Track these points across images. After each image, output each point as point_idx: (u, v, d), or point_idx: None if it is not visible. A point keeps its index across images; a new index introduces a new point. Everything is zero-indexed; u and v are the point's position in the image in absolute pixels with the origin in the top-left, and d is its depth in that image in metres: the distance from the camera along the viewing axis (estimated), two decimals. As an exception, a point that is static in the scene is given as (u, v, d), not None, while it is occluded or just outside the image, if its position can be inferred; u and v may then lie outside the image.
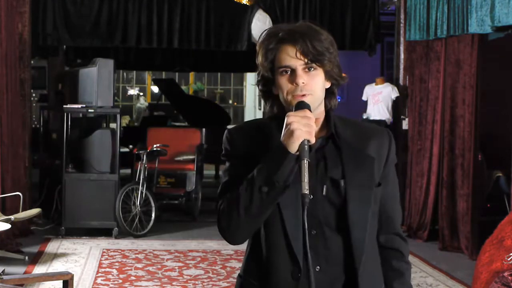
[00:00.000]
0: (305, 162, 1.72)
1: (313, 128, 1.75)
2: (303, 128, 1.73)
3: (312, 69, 1.83)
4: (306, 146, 1.73)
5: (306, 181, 1.71)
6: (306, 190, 1.70)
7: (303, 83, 1.81)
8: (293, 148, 1.74)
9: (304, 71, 1.82)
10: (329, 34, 1.88)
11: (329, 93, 1.90)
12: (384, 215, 1.96)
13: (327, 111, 1.92)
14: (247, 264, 1.97)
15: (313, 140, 1.75)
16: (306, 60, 1.81)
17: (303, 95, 1.81)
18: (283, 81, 1.84)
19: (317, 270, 1.84)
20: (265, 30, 1.91)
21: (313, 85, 1.83)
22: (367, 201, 1.88)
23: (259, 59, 1.88)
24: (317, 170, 1.86)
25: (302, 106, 1.79)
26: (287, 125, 1.75)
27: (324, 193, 1.85)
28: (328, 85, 1.89)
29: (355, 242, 1.85)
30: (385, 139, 1.96)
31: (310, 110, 1.79)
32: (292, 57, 1.82)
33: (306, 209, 1.71)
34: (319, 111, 1.88)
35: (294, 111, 1.78)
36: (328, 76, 1.87)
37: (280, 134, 1.79)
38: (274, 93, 1.89)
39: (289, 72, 1.83)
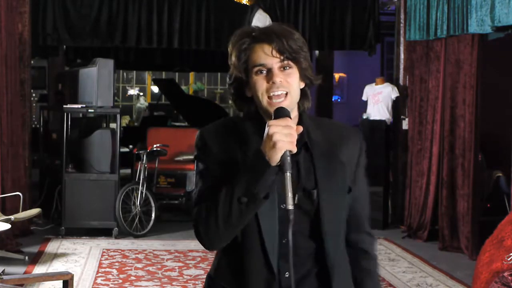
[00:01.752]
0: (288, 175, 1.68)
1: (294, 137, 1.70)
2: (285, 139, 1.68)
3: (288, 67, 1.80)
4: (288, 158, 1.68)
5: (290, 196, 1.66)
6: (290, 206, 1.66)
7: (280, 81, 1.78)
8: (275, 159, 1.69)
9: (280, 70, 1.79)
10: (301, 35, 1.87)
11: (302, 94, 1.86)
12: (353, 216, 1.94)
13: (300, 114, 1.87)
14: (219, 265, 1.94)
15: (295, 150, 1.70)
16: (282, 58, 1.78)
17: (280, 94, 1.78)
18: (259, 81, 1.80)
19: (286, 276, 1.83)
20: (237, 31, 1.87)
21: (290, 83, 1.79)
22: (340, 209, 1.87)
23: (232, 59, 1.84)
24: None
25: (282, 113, 1.74)
26: (268, 135, 1.69)
27: (296, 202, 1.78)
28: (302, 85, 1.85)
29: (328, 249, 1.84)
30: (357, 141, 1.93)
31: (290, 116, 1.75)
32: (268, 55, 1.79)
33: (291, 226, 1.67)
34: (294, 114, 1.84)
35: (274, 118, 1.73)
36: (302, 75, 1.83)
37: (256, 135, 1.77)
38: (247, 95, 1.85)
39: (264, 72, 1.80)
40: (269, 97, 1.79)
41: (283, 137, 1.68)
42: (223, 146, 1.84)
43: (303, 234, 1.83)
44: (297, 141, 1.76)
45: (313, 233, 1.84)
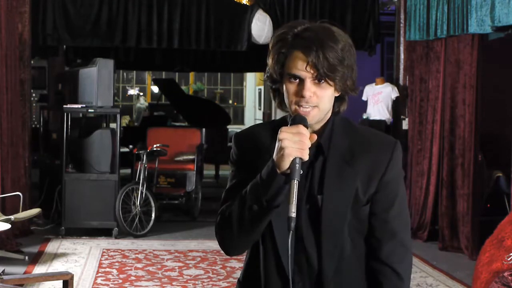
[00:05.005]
0: (295, 182, 1.63)
1: (305, 145, 1.65)
2: (294, 146, 1.64)
3: (323, 81, 1.73)
4: (297, 165, 1.64)
5: (294, 203, 1.62)
6: (293, 214, 1.61)
7: (310, 96, 1.72)
8: (283, 166, 1.65)
9: (313, 83, 1.73)
10: (347, 35, 1.77)
11: (339, 98, 1.81)
12: (373, 239, 1.83)
13: (333, 116, 1.82)
14: (246, 272, 1.92)
15: (306, 158, 1.65)
16: (316, 74, 1.72)
17: (308, 108, 1.73)
18: (290, 88, 1.75)
19: (300, 286, 1.80)
20: (279, 29, 1.81)
21: (320, 97, 1.74)
22: (342, 219, 1.77)
23: (269, 60, 1.79)
24: (305, 183, 1.78)
25: (297, 120, 1.70)
26: (278, 141, 1.66)
27: (307, 207, 1.78)
28: (337, 94, 1.79)
29: (325, 259, 1.77)
30: (387, 151, 1.81)
31: (306, 124, 1.70)
32: (301, 70, 1.72)
33: (292, 233, 1.62)
34: (326, 118, 1.81)
35: (290, 125, 1.70)
36: (338, 88, 1.76)
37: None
38: (282, 92, 1.81)
39: (297, 81, 1.74)
40: (298, 106, 1.74)
41: (292, 143, 1.64)
42: (252, 150, 1.82)
43: (311, 243, 1.79)
44: (314, 145, 1.73)
45: (317, 242, 1.79)
